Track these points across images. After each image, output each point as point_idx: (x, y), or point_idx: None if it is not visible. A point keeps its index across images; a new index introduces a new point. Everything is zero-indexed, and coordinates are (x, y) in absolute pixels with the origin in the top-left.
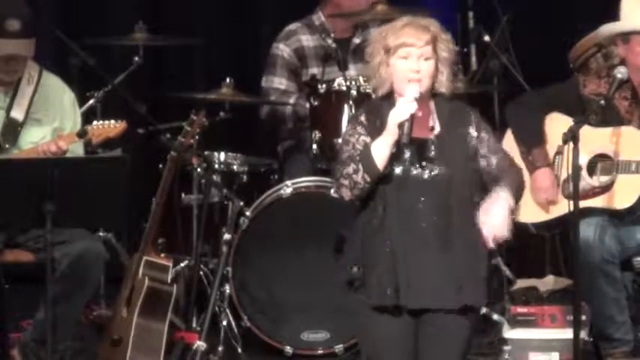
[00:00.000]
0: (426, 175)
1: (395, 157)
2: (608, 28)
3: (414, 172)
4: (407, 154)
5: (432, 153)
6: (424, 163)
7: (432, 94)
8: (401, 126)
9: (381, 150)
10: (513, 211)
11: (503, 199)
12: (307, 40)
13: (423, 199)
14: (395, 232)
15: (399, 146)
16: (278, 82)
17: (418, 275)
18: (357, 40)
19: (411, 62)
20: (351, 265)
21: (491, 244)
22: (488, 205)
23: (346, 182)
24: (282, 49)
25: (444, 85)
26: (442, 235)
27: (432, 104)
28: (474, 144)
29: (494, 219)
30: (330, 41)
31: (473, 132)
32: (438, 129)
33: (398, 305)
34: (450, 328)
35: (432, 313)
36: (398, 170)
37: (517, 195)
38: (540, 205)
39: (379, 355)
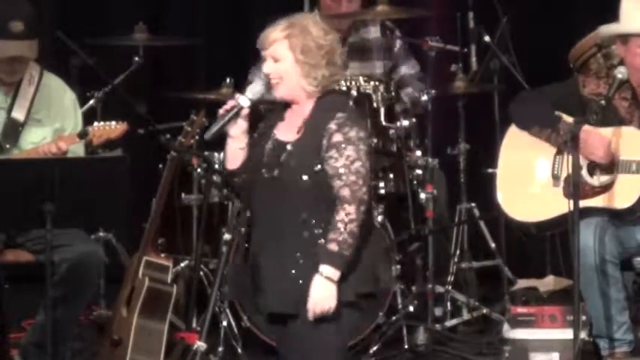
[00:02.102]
0: (274, 179)
1: (256, 159)
2: (607, 29)
3: (266, 175)
4: (265, 157)
5: (284, 157)
6: (275, 167)
7: (322, 94)
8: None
9: (227, 147)
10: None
11: (320, 278)
12: None
13: (270, 202)
14: (253, 231)
15: (254, 145)
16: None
17: (260, 277)
18: (352, 40)
19: (264, 65)
20: None
21: (311, 317)
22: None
23: None
24: None
25: (303, 87)
26: (281, 241)
27: (307, 107)
28: (323, 156)
29: (313, 299)
30: None
31: (324, 142)
32: (301, 133)
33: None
34: (302, 339)
35: (286, 322)
36: (256, 172)
37: (343, 257)
38: (540, 205)
39: None
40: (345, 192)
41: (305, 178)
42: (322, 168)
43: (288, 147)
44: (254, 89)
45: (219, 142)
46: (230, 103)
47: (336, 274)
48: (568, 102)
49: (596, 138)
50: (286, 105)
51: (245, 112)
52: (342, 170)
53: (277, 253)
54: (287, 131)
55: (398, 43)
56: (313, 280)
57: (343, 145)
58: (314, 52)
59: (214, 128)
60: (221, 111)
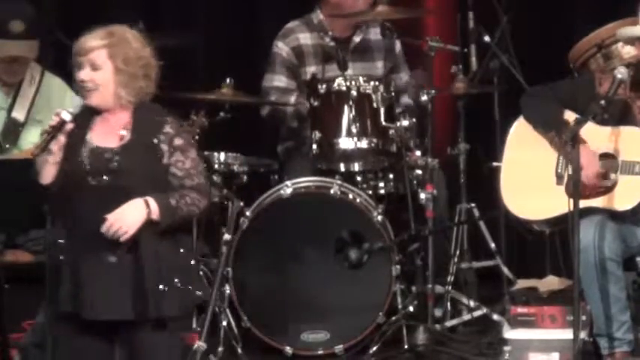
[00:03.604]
0: (104, 185)
1: (76, 168)
2: (627, 31)
3: (93, 182)
4: (87, 166)
5: (114, 163)
6: (105, 173)
7: (139, 103)
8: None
9: (43, 162)
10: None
11: (142, 203)
12: (305, 39)
13: (100, 209)
14: (74, 240)
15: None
16: (277, 80)
17: (92, 285)
18: (357, 39)
19: (80, 72)
20: None
21: (104, 230)
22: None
23: None
24: (281, 48)
25: (120, 96)
26: (119, 246)
27: (122, 115)
28: (166, 161)
29: (120, 211)
30: (327, 39)
31: (164, 147)
32: (127, 139)
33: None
34: (144, 345)
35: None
36: (79, 181)
37: (173, 217)
38: (543, 203)
39: None
40: (200, 188)
41: (143, 181)
42: (164, 171)
43: (116, 153)
44: (74, 103)
45: (219, 141)
46: (55, 119)
47: (155, 215)
48: (580, 99)
49: (585, 157)
50: (92, 113)
51: (69, 126)
52: (192, 171)
53: (107, 259)
54: (106, 138)
55: (398, 45)
56: (133, 203)
57: (186, 148)
58: (134, 62)
59: (42, 145)
60: (47, 127)
